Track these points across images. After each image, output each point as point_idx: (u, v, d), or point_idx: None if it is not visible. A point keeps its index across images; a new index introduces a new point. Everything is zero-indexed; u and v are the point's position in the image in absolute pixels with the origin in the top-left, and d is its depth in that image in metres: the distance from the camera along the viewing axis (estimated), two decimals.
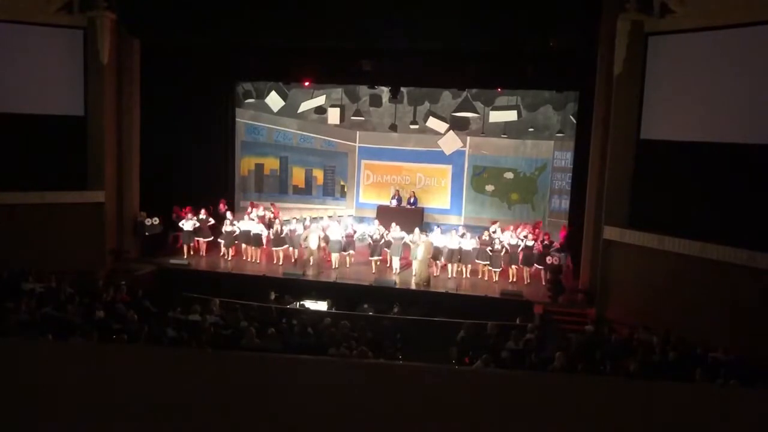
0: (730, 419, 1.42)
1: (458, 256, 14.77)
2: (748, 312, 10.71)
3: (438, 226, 16.49)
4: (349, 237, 15.38)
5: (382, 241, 15.22)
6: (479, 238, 15.08)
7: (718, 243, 11.22)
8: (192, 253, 15.70)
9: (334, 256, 15.29)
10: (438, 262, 15.03)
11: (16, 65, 13.94)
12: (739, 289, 10.94)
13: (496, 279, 14.75)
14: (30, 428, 1.30)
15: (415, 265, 14.40)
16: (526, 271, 14.76)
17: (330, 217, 18.11)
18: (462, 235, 15.13)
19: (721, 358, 9.63)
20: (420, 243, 14.40)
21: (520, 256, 14.62)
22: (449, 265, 14.97)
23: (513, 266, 14.86)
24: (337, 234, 15.26)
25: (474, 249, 14.82)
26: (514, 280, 14.82)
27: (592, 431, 1.37)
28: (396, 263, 15.17)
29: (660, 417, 1.41)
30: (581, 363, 9.29)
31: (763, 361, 9.53)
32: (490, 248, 14.67)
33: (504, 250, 14.63)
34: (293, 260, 15.52)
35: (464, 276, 14.94)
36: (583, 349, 10.21)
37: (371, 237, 15.46)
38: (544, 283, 14.19)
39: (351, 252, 15.40)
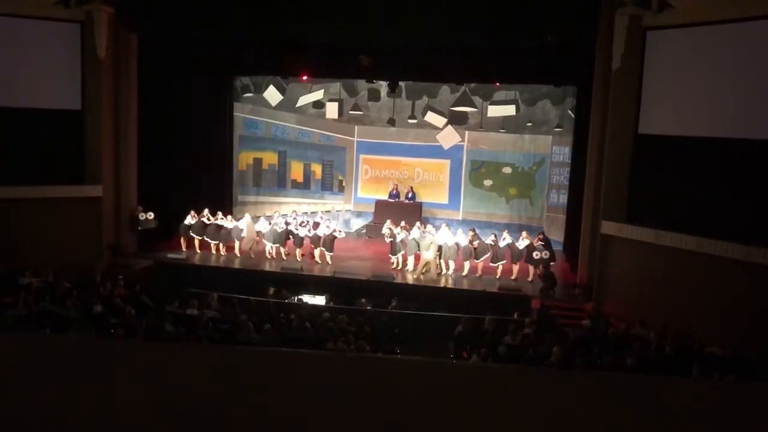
0: (727, 414, 1.43)
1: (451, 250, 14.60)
2: (745, 307, 10.73)
3: (445, 223, 16.29)
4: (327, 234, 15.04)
5: (400, 239, 14.73)
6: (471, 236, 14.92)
7: (715, 238, 11.22)
8: (187, 248, 15.70)
9: (268, 247, 15.36)
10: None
11: (12, 59, 13.87)
12: (736, 285, 10.94)
13: (499, 276, 14.61)
14: (28, 424, 1.30)
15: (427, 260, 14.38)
16: (523, 269, 14.64)
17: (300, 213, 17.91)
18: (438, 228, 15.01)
19: (718, 353, 9.66)
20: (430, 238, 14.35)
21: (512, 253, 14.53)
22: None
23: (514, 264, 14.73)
24: (272, 228, 15.28)
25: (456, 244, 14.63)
26: (515, 277, 14.74)
27: (589, 426, 1.38)
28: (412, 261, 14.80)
29: (656, 412, 1.41)
30: (578, 358, 9.32)
31: (760, 357, 9.56)
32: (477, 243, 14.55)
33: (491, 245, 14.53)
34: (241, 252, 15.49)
35: (443, 270, 14.66)
36: (580, 343, 10.23)
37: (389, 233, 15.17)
38: (538, 277, 14.09)
39: (328, 252, 14.95)
